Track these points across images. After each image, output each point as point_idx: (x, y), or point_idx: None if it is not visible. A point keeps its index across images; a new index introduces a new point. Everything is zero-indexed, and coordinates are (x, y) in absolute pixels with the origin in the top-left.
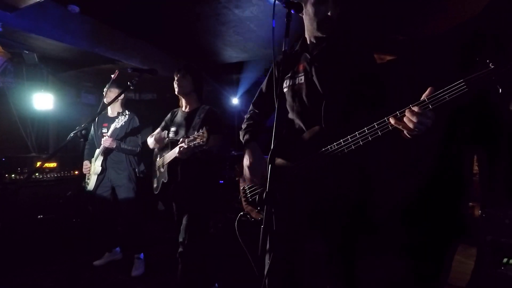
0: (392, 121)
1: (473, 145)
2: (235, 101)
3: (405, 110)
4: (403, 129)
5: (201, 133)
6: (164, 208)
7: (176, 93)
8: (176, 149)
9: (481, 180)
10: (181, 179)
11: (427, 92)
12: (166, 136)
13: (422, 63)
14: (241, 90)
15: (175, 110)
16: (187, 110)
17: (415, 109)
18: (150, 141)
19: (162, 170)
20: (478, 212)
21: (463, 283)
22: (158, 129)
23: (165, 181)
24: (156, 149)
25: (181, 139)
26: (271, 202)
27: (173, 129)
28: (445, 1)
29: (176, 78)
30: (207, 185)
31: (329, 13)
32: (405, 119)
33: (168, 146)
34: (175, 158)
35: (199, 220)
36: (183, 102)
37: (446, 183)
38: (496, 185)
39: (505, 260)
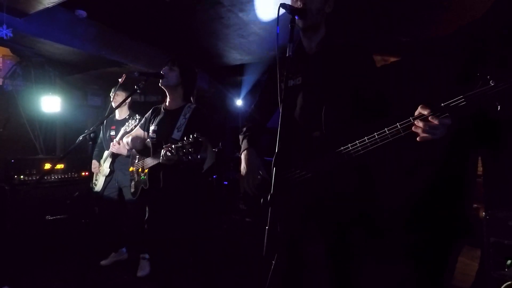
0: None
1: (478, 147)
2: (238, 102)
3: (408, 120)
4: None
5: (191, 140)
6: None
7: (159, 84)
8: (161, 154)
9: (485, 182)
10: (163, 186)
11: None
12: (146, 136)
13: (424, 66)
14: (245, 91)
15: (157, 106)
16: (170, 108)
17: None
18: (126, 140)
19: (142, 175)
20: (482, 213)
21: (467, 285)
22: (137, 127)
23: (146, 188)
24: (133, 150)
25: (168, 145)
26: (276, 205)
27: (153, 128)
28: (449, 2)
29: (162, 70)
30: (194, 194)
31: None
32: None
33: (149, 148)
34: (158, 163)
35: (186, 244)
36: (167, 98)
37: (450, 185)
38: (500, 186)
39: (508, 262)
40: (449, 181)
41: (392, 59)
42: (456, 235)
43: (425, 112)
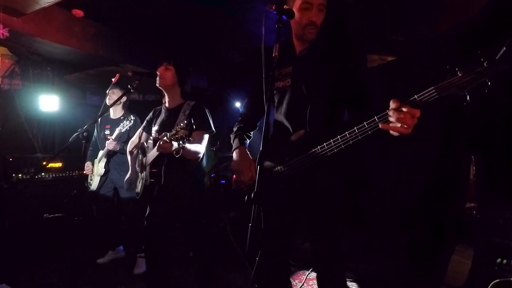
0: (380, 125)
1: (471, 148)
2: (237, 104)
3: (385, 113)
4: (391, 130)
5: (184, 125)
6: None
7: (157, 85)
8: (157, 144)
9: (477, 182)
10: (164, 182)
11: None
12: (144, 140)
13: (419, 64)
14: (244, 91)
15: (157, 108)
16: (170, 107)
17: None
18: (129, 145)
19: (144, 172)
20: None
21: (461, 283)
22: (139, 130)
23: (147, 184)
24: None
25: (163, 134)
26: (259, 202)
27: (156, 128)
28: (446, 2)
29: (158, 70)
30: (194, 188)
31: (313, 19)
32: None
33: (151, 147)
34: (158, 156)
35: (196, 228)
36: (166, 98)
37: (444, 185)
38: (492, 186)
39: (498, 260)
40: (443, 181)
41: (390, 59)
42: (449, 234)
43: (400, 104)
